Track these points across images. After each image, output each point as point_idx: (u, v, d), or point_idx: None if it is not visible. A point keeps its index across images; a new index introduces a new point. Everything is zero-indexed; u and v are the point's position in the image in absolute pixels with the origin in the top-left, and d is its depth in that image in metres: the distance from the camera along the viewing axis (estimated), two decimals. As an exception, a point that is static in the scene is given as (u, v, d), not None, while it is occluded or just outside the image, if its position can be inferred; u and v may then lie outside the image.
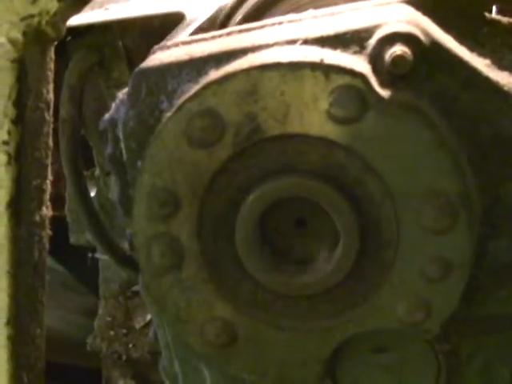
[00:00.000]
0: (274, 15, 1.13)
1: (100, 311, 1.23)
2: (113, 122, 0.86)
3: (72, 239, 1.20)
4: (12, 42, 0.77)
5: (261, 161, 0.79)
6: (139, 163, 0.83)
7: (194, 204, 0.80)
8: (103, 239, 1.10)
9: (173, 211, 0.81)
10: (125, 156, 0.85)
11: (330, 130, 0.77)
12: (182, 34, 1.03)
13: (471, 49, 0.83)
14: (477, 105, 0.79)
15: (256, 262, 0.81)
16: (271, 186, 0.79)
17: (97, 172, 1.17)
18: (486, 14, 0.86)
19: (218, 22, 1.14)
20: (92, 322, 1.31)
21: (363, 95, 0.76)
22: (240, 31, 0.86)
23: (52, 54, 0.81)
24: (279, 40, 0.81)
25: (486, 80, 0.79)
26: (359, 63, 0.77)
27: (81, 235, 1.17)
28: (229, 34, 0.86)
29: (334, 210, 0.79)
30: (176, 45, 0.87)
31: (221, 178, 0.80)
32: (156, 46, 0.89)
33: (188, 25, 1.04)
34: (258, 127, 0.78)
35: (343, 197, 0.79)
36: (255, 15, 1.14)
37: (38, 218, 0.82)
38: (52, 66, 0.81)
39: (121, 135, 0.84)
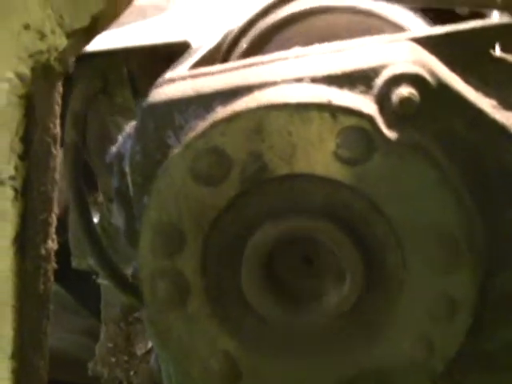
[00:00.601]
0: (279, 42, 1.14)
1: (101, 336, 1.23)
2: (119, 156, 0.87)
3: (74, 263, 1.20)
4: (20, 77, 0.77)
5: (267, 199, 0.80)
6: (145, 198, 0.83)
7: (199, 240, 0.81)
8: (105, 265, 1.10)
9: (178, 247, 0.81)
10: (131, 190, 0.85)
11: (337, 171, 0.78)
12: (187, 62, 1.04)
13: (476, 87, 0.83)
14: (483, 144, 0.80)
15: (261, 298, 0.81)
16: (277, 225, 0.79)
17: (100, 198, 1.18)
18: (492, 52, 0.86)
19: (224, 48, 1.14)
20: (91, 342, 1.31)
21: (370, 136, 0.77)
22: (246, 66, 0.86)
23: (60, 87, 0.81)
24: (286, 77, 0.81)
25: (493, 121, 0.79)
26: (366, 104, 0.78)
27: (83, 260, 1.18)
28: (236, 68, 0.86)
29: (339, 249, 0.79)
30: (183, 78, 0.87)
31: (226, 215, 0.80)
32: (162, 79, 0.89)
33: (193, 53, 1.05)
34: (264, 166, 0.78)
35: (349, 236, 0.79)
36: (261, 42, 1.15)
37: (43, 251, 0.82)
38: (59, 99, 0.81)
39: (127, 169, 0.85)
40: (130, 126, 0.86)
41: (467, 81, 0.83)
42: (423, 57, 0.82)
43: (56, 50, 0.76)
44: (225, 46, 1.15)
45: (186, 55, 1.04)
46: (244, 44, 1.14)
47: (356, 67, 0.80)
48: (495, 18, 1.07)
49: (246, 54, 1.14)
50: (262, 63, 0.85)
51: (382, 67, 0.79)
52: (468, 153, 0.80)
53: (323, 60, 0.83)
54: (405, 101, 0.77)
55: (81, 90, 1.08)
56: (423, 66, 0.79)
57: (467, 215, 0.79)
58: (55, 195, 0.84)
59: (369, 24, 1.12)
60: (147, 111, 0.84)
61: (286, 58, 0.85)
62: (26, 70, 0.76)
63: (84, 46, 0.79)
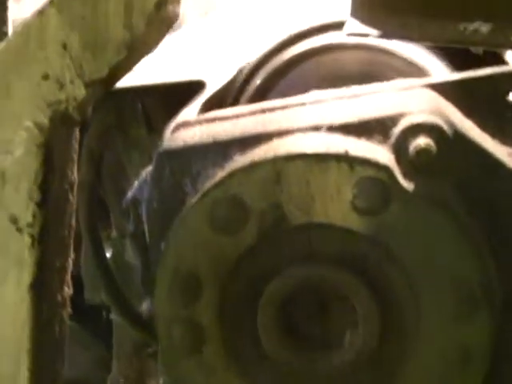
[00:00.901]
0: (292, 79, 1.14)
1: (113, 369, 1.23)
2: (135, 201, 0.87)
3: (87, 298, 1.20)
4: (38, 126, 0.77)
5: (284, 249, 0.80)
6: (162, 245, 0.83)
7: (216, 289, 0.81)
8: (118, 301, 1.10)
9: (195, 295, 0.81)
10: (147, 236, 0.85)
11: (354, 221, 0.78)
12: (201, 100, 1.04)
13: (493, 134, 0.83)
14: (499, 194, 0.80)
15: (278, 346, 0.81)
16: (293, 273, 0.79)
17: (113, 233, 1.18)
18: (509, 98, 0.87)
19: (237, 85, 1.15)
20: (103, 372, 1.31)
21: (387, 187, 0.77)
22: (263, 111, 0.86)
23: (77, 134, 0.81)
24: (303, 125, 0.81)
25: (509, 171, 0.79)
26: (383, 154, 0.78)
27: (96, 294, 1.18)
28: (252, 112, 0.87)
29: (355, 297, 0.79)
30: (199, 122, 0.87)
31: (244, 264, 0.80)
32: (178, 121, 0.89)
33: (207, 92, 1.05)
34: (282, 216, 0.78)
35: (365, 285, 0.79)
36: (274, 79, 1.15)
37: (59, 297, 0.83)
38: (76, 146, 0.82)
39: (144, 216, 0.85)
40: (146, 172, 0.87)
41: (484, 127, 0.83)
42: (440, 105, 0.82)
43: (75, 99, 0.76)
44: (238, 83, 1.15)
45: (201, 95, 1.04)
46: (257, 80, 1.15)
47: (373, 116, 0.80)
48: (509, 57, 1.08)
49: (259, 90, 1.14)
50: (279, 108, 0.86)
51: (400, 116, 0.80)
52: (485, 202, 0.80)
53: (340, 107, 0.83)
54: (422, 152, 0.77)
55: (96, 127, 1.08)
56: (440, 115, 0.80)
57: (484, 265, 0.78)
58: (71, 240, 0.84)
59: (380, 61, 1.13)
60: (163, 157, 0.84)
61: (303, 104, 0.85)
62: (44, 120, 0.77)
63: (101, 94, 0.79)
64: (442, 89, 0.85)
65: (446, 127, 0.79)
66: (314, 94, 0.88)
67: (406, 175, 0.77)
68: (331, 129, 0.80)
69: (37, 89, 0.76)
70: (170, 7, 0.76)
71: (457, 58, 1.14)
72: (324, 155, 0.77)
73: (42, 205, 0.79)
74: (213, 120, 0.87)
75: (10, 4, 1.03)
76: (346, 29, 0.99)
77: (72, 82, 0.76)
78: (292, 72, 1.14)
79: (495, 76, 0.86)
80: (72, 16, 0.74)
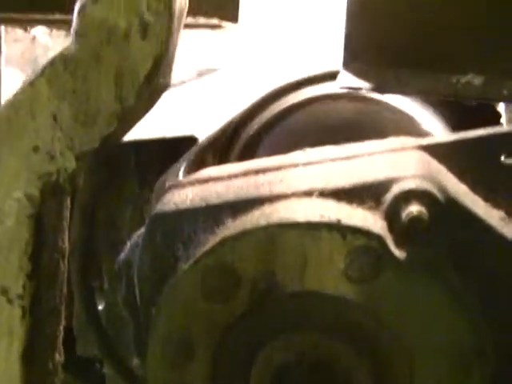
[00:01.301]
0: (283, 130, 1.14)
1: (107, 422, 1.22)
2: (127, 264, 0.86)
3: (79, 351, 1.20)
4: (29, 197, 0.77)
5: (276, 316, 0.79)
6: (153, 309, 0.83)
7: (207, 355, 0.80)
8: (110, 355, 1.10)
9: (186, 361, 0.80)
10: (139, 300, 0.85)
11: (346, 289, 0.77)
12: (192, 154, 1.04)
13: (486, 196, 0.83)
14: (492, 259, 0.80)
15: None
16: (286, 341, 0.79)
17: (105, 285, 1.17)
18: (502, 159, 0.86)
19: (227, 135, 1.15)
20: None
21: (379, 256, 0.77)
22: (256, 171, 0.86)
23: (68, 203, 0.81)
24: (296, 190, 0.81)
25: (501, 237, 0.79)
26: (375, 222, 0.78)
27: (88, 347, 1.17)
28: (245, 173, 0.86)
29: (348, 365, 0.79)
30: (191, 183, 0.87)
31: (236, 331, 0.80)
32: (171, 182, 0.89)
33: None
34: (274, 284, 0.78)
35: (358, 353, 0.79)
36: (264, 131, 1.15)
37: (50, 365, 0.82)
38: (68, 214, 0.81)
39: (135, 279, 0.85)
40: (137, 234, 0.86)
41: (477, 189, 0.83)
42: (432, 169, 0.82)
43: (65, 171, 0.76)
44: (228, 134, 1.15)
45: (193, 149, 1.04)
46: (249, 131, 1.15)
47: (365, 182, 0.80)
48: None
49: (250, 141, 1.15)
50: (272, 169, 0.85)
51: (391, 182, 0.79)
52: (478, 268, 0.80)
53: (332, 170, 0.83)
54: (414, 219, 0.77)
55: (88, 183, 1.07)
56: (432, 181, 0.79)
57: (478, 334, 0.78)
58: (63, 308, 0.83)
59: (369, 111, 1.13)
60: (155, 221, 0.84)
61: (296, 165, 0.85)
62: (35, 191, 0.77)
63: (91, 164, 0.79)
64: (434, 150, 0.85)
65: (438, 193, 0.79)
66: (306, 154, 0.88)
67: (398, 243, 0.77)
68: (323, 194, 0.80)
69: (27, 160, 0.76)
70: (161, 79, 0.76)
71: (448, 107, 1.14)
72: (316, 224, 0.77)
73: (32, 276, 0.78)
74: (205, 181, 0.86)
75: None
76: (339, 82, 0.99)
77: (62, 154, 0.75)
78: (283, 123, 1.14)
79: (488, 137, 0.86)
80: (62, 88, 0.74)
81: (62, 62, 0.74)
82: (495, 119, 1.08)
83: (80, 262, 1.07)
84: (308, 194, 0.80)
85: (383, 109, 1.13)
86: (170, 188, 0.87)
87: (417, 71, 0.96)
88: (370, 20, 0.96)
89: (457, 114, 1.15)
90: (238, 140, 1.14)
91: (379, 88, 0.99)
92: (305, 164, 0.85)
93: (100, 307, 1.14)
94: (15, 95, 0.76)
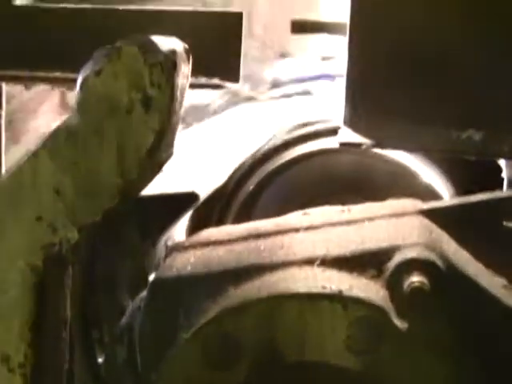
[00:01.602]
0: (285, 182, 1.15)
1: None
2: (129, 327, 0.87)
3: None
4: (31, 267, 0.77)
5: None
6: (154, 375, 0.83)
7: (210, 424, 0.80)
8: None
9: None
10: (140, 365, 0.85)
11: (347, 360, 0.77)
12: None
13: (488, 262, 0.83)
14: (494, 332, 0.80)
15: None
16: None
17: (105, 337, 1.17)
18: (504, 223, 0.86)
19: (229, 189, 1.15)
20: None
21: (380, 327, 0.77)
22: (257, 236, 0.86)
23: (70, 271, 0.81)
24: (297, 258, 0.81)
25: (505, 308, 0.79)
26: (377, 292, 0.78)
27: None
28: (246, 238, 0.86)
29: None
30: (193, 246, 0.87)
31: (237, 399, 0.80)
32: (172, 244, 0.89)
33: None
34: (275, 354, 0.78)
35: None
36: (266, 184, 1.16)
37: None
38: (70, 282, 0.81)
39: (137, 344, 0.85)
40: (139, 298, 0.87)
41: (479, 254, 0.83)
42: (433, 236, 0.82)
43: (68, 242, 0.76)
44: (230, 187, 1.16)
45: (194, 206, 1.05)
46: (250, 186, 1.16)
47: (366, 250, 0.80)
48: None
49: (252, 195, 1.15)
50: (273, 234, 0.85)
51: (393, 250, 0.80)
52: (480, 338, 0.80)
53: (333, 236, 0.83)
54: (415, 290, 0.77)
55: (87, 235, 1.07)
56: (433, 249, 0.80)
57: None
58: (65, 370, 0.83)
59: (370, 165, 1.14)
60: (156, 287, 0.84)
61: (296, 230, 0.85)
62: (37, 261, 0.77)
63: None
64: (435, 215, 0.85)
65: (439, 262, 0.79)
66: (306, 217, 0.88)
67: (399, 313, 0.77)
68: (324, 263, 0.80)
69: (30, 231, 0.76)
70: (163, 152, 0.76)
71: (447, 159, 1.15)
72: (318, 295, 0.77)
73: (34, 345, 0.78)
74: (206, 244, 0.87)
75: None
76: (339, 138, 1.00)
77: (65, 225, 0.76)
78: (280, 177, 1.15)
79: (490, 202, 0.86)
80: (64, 160, 0.75)
81: (64, 134, 0.74)
82: (495, 173, 1.08)
83: (80, 313, 1.07)
84: (309, 262, 0.81)
85: (382, 162, 1.14)
86: (171, 251, 0.87)
87: (417, 127, 0.97)
88: (371, 77, 0.96)
89: (456, 166, 1.16)
90: (238, 194, 1.15)
91: (379, 144, 1.00)
92: (305, 229, 0.85)
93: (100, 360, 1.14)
94: (18, 166, 0.76)
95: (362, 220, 0.84)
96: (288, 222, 0.87)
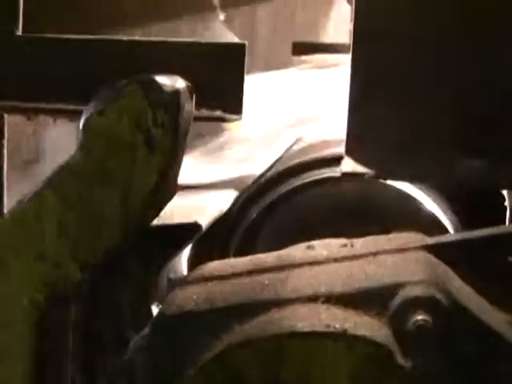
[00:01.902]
0: (288, 211, 1.15)
1: None
2: (132, 363, 0.86)
3: None
4: (34, 305, 0.77)
5: None
6: (157, 415, 0.83)
7: None
8: None
9: None
10: (142, 404, 0.84)
11: None
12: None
13: (492, 298, 0.83)
14: (501, 367, 0.79)
15: None
16: None
17: (109, 367, 1.16)
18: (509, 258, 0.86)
19: (232, 215, 1.15)
20: None
21: (385, 365, 0.76)
22: (261, 271, 0.86)
23: (72, 309, 0.81)
24: (301, 295, 0.81)
25: (509, 345, 0.79)
26: (381, 329, 0.78)
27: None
28: (250, 272, 0.86)
29: None
30: (196, 281, 0.87)
31: None
32: (175, 279, 0.89)
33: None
34: None
35: None
36: (269, 212, 1.15)
37: None
38: (73, 315, 0.81)
39: (139, 381, 0.84)
40: (141, 335, 0.86)
41: (483, 290, 0.83)
42: (437, 272, 0.82)
43: (71, 280, 0.76)
44: (234, 214, 1.16)
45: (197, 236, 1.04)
46: (253, 214, 1.15)
47: (371, 287, 0.80)
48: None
49: (256, 222, 1.15)
50: (277, 269, 0.85)
51: (397, 288, 0.79)
52: (484, 378, 0.79)
53: (337, 272, 0.83)
54: (419, 328, 0.77)
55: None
56: (437, 286, 0.79)
57: None
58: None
59: (374, 192, 1.14)
60: (159, 324, 0.83)
61: (300, 265, 0.85)
62: (40, 299, 0.77)
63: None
64: (439, 250, 0.85)
65: (443, 300, 0.78)
66: (310, 250, 0.88)
67: (403, 351, 0.77)
68: (329, 300, 0.80)
69: (33, 268, 0.76)
70: (167, 190, 0.76)
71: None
72: (322, 334, 0.77)
73: (36, 381, 0.78)
74: (209, 279, 0.86)
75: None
76: (342, 167, 1.00)
77: (68, 263, 0.76)
78: (285, 204, 1.15)
79: (494, 237, 0.86)
80: (68, 198, 0.75)
81: (68, 172, 0.75)
82: (499, 202, 1.08)
83: (82, 345, 1.07)
84: (313, 299, 0.80)
85: (384, 189, 1.14)
86: (174, 286, 0.87)
87: (419, 157, 0.97)
88: (372, 108, 0.96)
89: (459, 193, 1.16)
90: (242, 221, 1.15)
91: (382, 174, 1.00)
92: (309, 264, 0.85)
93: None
94: (22, 203, 0.76)
95: (366, 255, 0.84)
96: (292, 255, 0.87)
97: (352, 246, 0.88)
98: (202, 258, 1.17)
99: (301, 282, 0.83)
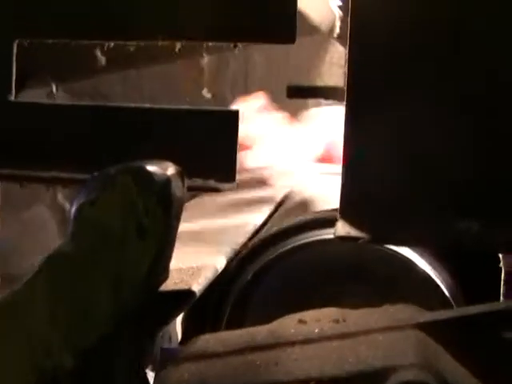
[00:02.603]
0: (287, 270, 1.15)
1: None
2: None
3: None
4: None
5: None
6: None
7: None
8: None
9: None
10: None
11: None
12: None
13: (487, 378, 0.83)
14: None
15: None
16: None
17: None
18: (504, 335, 0.86)
19: (230, 273, 1.15)
20: None
21: None
22: (253, 348, 0.85)
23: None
24: (293, 378, 0.80)
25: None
26: None
27: None
28: (241, 351, 0.86)
29: None
30: (187, 359, 0.86)
31: None
32: (168, 354, 0.89)
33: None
34: None
35: None
36: (266, 271, 1.15)
37: None
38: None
39: None
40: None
41: (476, 369, 0.82)
42: (430, 353, 0.81)
43: (62, 368, 0.76)
44: (229, 274, 1.16)
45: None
46: (248, 275, 1.16)
47: (362, 370, 0.80)
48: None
49: (251, 283, 1.15)
50: (267, 348, 0.85)
51: (389, 371, 0.79)
52: None
53: (329, 352, 0.83)
54: None
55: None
56: (430, 369, 0.79)
57: None
58: None
59: (368, 252, 1.14)
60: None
61: (293, 344, 0.85)
62: (31, 384, 0.76)
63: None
64: (432, 328, 0.85)
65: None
66: (303, 326, 0.88)
67: None
68: (320, 383, 0.80)
69: (24, 355, 0.76)
70: (159, 276, 0.76)
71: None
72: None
73: None
74: (201, 357, 0.86)
75: None
76: (336, 231, 1.00)
77: (59, 351, 0.75)
78: (279, 267, 1.15)
79: (489, 313, 0.86)
80: (59, 286, 0.74)
81: (59, 260, 0.74)
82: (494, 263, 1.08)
83: None
84: (305, 381, 0.80)
85: (377, 249, 1.14)
86: (165, 363, 0.87)
87: (414, 221, 0.97)
88: (367, 171, 0.96)
89: (453, 253, 1.16)
90: (238, 281, 1.15)
91: (377, 238, 0.99)
92: (301, 342, 0.85)
93: None
94: (13, 291, 0.76)
95: (358, 334, 0.84)
96: (284, 332, 0.87)
97: (344, 320, 0.88)
98: (195, 320, 1.18)
99: (292, 363, 0.82)
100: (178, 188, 0.75)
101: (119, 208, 0.72)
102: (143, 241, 0.72)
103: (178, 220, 0.76)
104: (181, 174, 0.77)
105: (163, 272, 0.77)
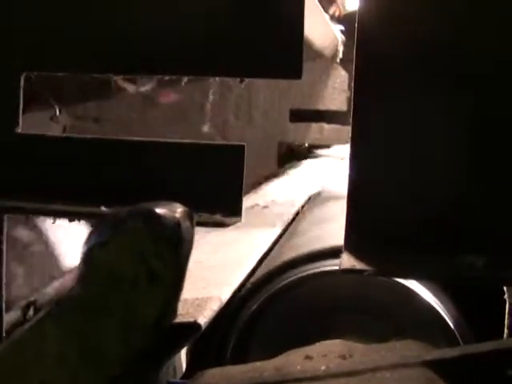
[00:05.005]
0: (291, 302, 1.15)
1: None
2: None
3: None
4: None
5: None
6: None
7: None
8: None
9: None
10: None
11: None
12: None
13: None
14: None
15: None
16: None
17: None
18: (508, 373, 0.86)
19: (235, 304, 1.15)
20: None
21: None
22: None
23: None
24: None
25: None
26: None
27: None
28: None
29: None
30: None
31: None
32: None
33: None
34: None
35: None
36: (270, 303, 1.15)
37: None
38: None
39: None
40: None
41: None
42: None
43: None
44: (233, 307, 1.16)
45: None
46: (253, 306, 1.16)
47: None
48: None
49: (255, 314, 1.15)
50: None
51: None
52: None
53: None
54: None
55: None
56: None
57: None
58: None
59: (371, 284, 1.14)
60: None
61: (300, 382, 0.85)
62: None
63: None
64: (438, 366, 0.85)
65: None
66: (309, 361, 0.88)
67: None
68: None
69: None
70: (169, 320, 0.76)
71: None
72: None
73: None
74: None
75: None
76: (341, 264, 1.00)
77: (68, 393, 0.75)
78: (283, 299, 1.16)
79: (494, 352, 0.86)
80: (69, 329, 0.74)
81: (68, 304, 0.74)
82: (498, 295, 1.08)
83: None
84: None
85: (381, 280, 1.14)
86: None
87: (419, 255, 0.97)
88: (371, 205, 0.96)
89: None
90: (242, 314, 1.15)
91: (382, 272, 1.00)
92: (308, 380, 0.85)
93: None
94: (21, 332, 0.76)
95: (365, 372, 0.84)
96: (290, 368, 0.87)
97: (351, 356, 0.88)
98: (200, 352, 1.18)
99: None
100: (187, 230, 0.75)
101: (130, 252, 0.72)
102: (154, 285, 0.72)
103: (187, 261, 0.76)
104: (190, 216, 0.77)
105: (173, 314, 0.77)
